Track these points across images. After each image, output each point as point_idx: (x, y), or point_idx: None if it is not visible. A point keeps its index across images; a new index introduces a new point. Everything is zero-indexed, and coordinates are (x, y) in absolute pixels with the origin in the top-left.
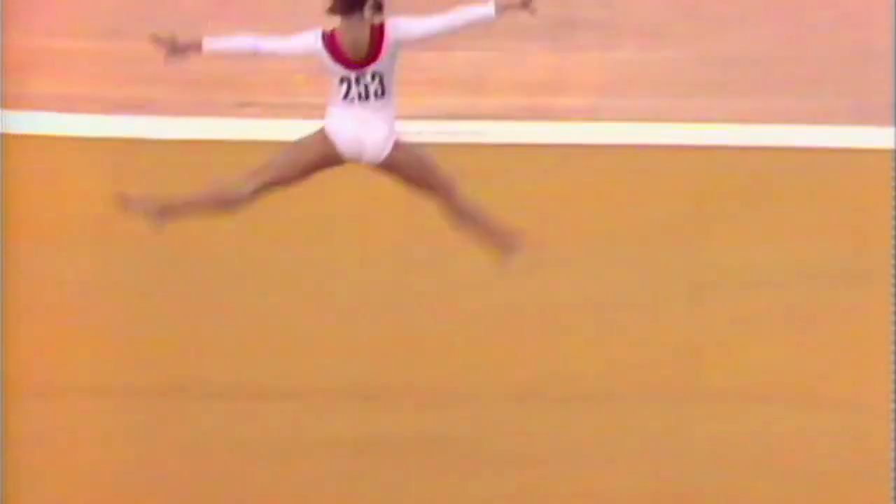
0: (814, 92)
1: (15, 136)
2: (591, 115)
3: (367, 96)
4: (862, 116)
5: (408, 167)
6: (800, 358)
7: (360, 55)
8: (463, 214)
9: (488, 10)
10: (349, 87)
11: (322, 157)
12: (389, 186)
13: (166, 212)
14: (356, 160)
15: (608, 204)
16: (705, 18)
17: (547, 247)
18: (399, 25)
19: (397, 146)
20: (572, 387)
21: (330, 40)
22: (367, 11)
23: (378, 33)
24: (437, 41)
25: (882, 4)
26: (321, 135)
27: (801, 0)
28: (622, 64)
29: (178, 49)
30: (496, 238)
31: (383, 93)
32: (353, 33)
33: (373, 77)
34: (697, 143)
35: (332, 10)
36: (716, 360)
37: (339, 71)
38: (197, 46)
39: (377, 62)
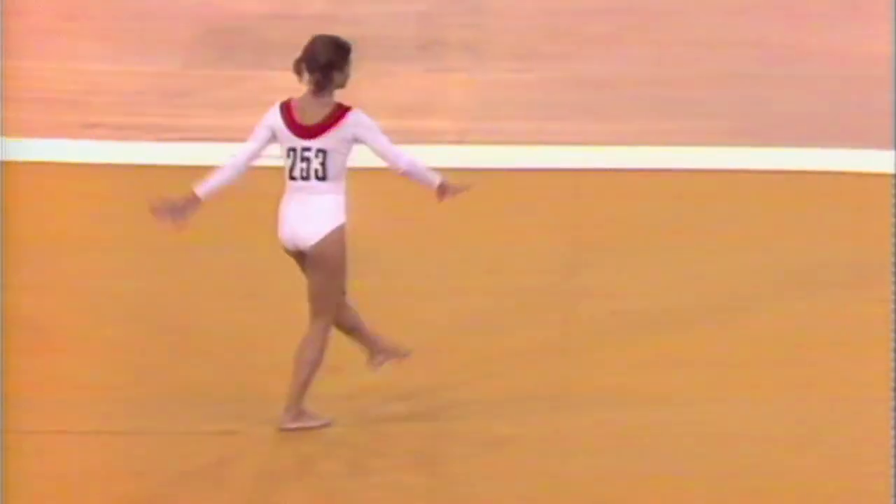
0: (683, 113)
1: None
2: (461, 138)
3: (307, 175)
4: (732, 137)
5: (325, 267)
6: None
7: (309, 122)
8: (313, 359)
9: (434, 181)
10: (294, 162)
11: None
12: None
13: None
14: (294, 248)
15: (479, 227)
16: (576, 40)
17: (413, 271)
18: (362, 121)
19: (331, 237)
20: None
21: (286, 108)
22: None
23: (338, 112)
24: None
25: (744, 27)
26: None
27: (669, 23)
28: (492, 86)
29: (178, 209)
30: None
31: (325, 176)
32: (312, 102)
33: (317, 154)
34: (568, 167)
35: (305, 73)
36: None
37: (288, 138)
38: (194, 198)
39: (325, 136)
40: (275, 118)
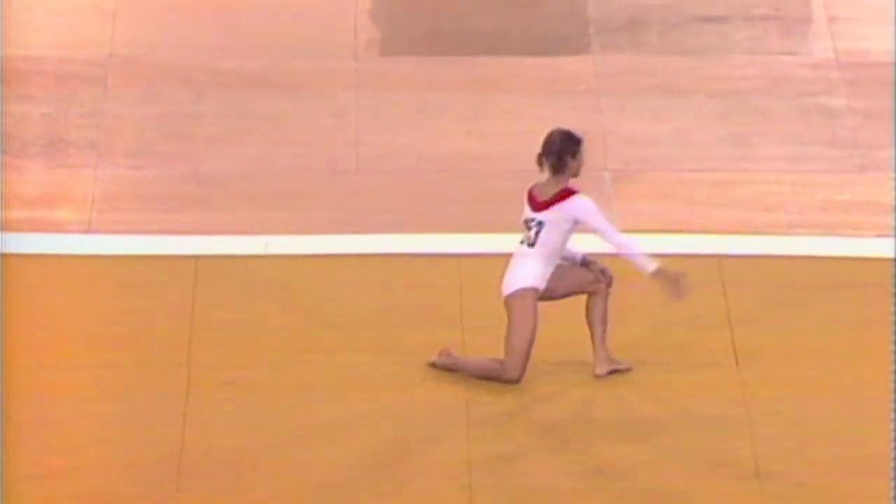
0: (291, 205)
1: None
2: (86, 228)
3: (524, 241)
4: (330, 226)
5: (511, 319)
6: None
7: (542, 198)
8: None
9: (647, 266)
10: (525, 230)
11: None
12: None
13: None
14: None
15: (101, 309)
16: (189, 140)
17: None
18: (580, 205)
19: (517, 295)
20: None
21: (530, 191)
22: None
23: (563, 194)
24: None
25: (342, 129)
26: None
27: (277, 125)
28: (113, 181)
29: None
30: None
31: (533, 243)
32: (548, 183)
33: (536, 224)
34: (188, 253)
35: (542, 161)
36: None
37: (526, 211)
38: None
39: (548, 211)
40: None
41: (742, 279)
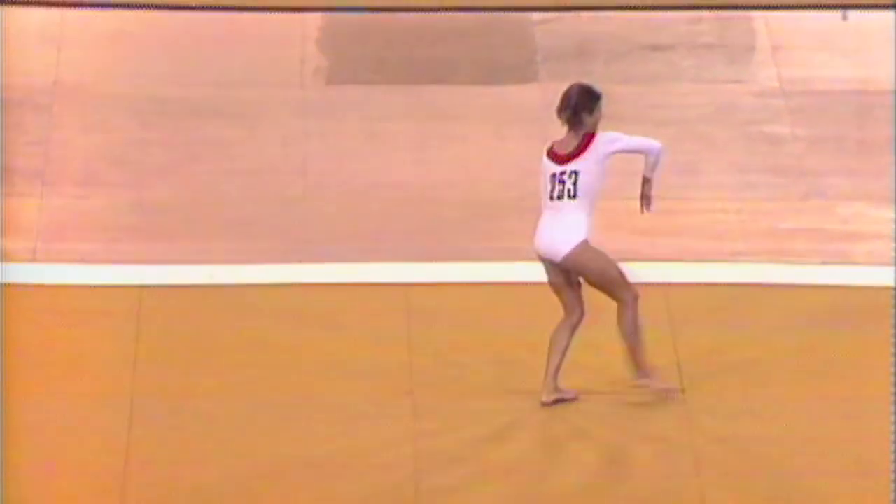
0: (237, 234)
1: None
2: (32, 257)
3: (562, 195)
4: (276, 255)
5: (585, 272)
6: None
7: (566, 151)
8: (629, 330)
9: (652, 177)
10: (553, 185)
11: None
12: None
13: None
14: (547, 258)
15: (58, 341)
16: (136, 168)
17: None
18: (607, 137)
19: (576, 252)
20: None
21: (550, 149)
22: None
23: (587, 139)
24: None
25: (288, 156)
26: None
27: (220, 153)
28: (60, 210)
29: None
30: (640, 369)
31: (574, 194)
32: (568, 139)
33: (570, 175)
34: (133, 283)
35: (559, 115)
36: None
37: (550, 167)
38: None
39: (578, 159)
40: (543, 157)
41: (688, 307)
